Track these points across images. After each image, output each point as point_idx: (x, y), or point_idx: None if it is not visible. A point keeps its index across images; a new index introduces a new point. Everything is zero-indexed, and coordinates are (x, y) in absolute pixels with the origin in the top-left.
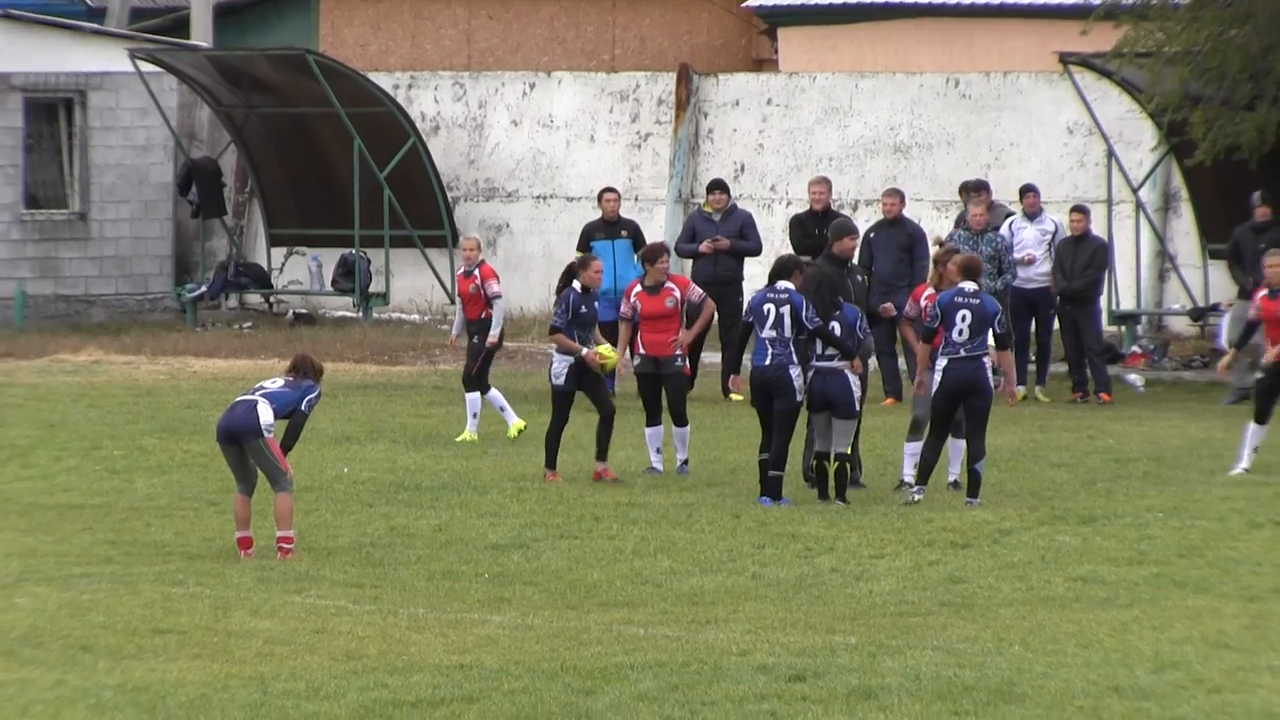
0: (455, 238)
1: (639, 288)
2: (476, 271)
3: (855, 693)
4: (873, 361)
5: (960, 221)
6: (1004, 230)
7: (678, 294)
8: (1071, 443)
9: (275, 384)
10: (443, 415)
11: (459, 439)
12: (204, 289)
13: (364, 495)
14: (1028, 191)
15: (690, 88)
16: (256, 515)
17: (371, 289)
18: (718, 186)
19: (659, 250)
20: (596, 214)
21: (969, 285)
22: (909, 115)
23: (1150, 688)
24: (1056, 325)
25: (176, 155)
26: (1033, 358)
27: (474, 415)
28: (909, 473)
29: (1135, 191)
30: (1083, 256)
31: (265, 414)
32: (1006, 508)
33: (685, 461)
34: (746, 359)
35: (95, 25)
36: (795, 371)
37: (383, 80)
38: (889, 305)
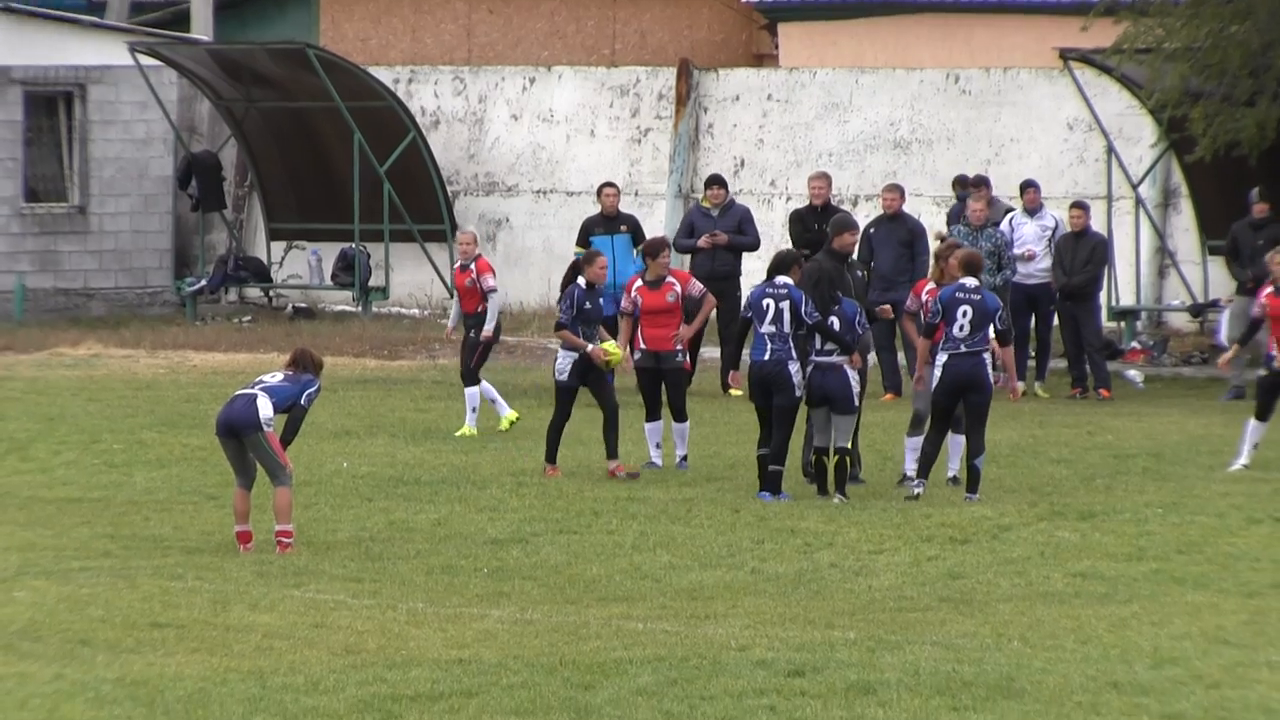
0: (455, 232)
1: (640, 282)
2: (473, 266)
3: (854, 688)
4: (872, 357)
5: (952, 216)
6: (1004, 226)
7: (679, 289)
8: (1071, 438)
9: (275, 378)
10: (442, 410)
11: (458, 434)
12: (203, 283)
13: (363, 490)
14: (1028, 187)
15: (690, 83)
16: (255, 509)
17: (371, 283)
18: (715, 182)
19: (661, 245)
20: (596, 209)
21: (970, 281)
22: (909, 111)
23: (1149, 683)
24: (1056, 321)
25: (176, 149)
26: (1032, 353)
27: (473, 410)
28: (911, 467)
29: (1135, 187)
30: (1082, 252)
31: (265, 408)
32: (1006, 503)
33: (684, 457)
34: (746, 354)
35: (95, 19)
36: (794, 367)
37: (383, 74)
38: (886, 306)
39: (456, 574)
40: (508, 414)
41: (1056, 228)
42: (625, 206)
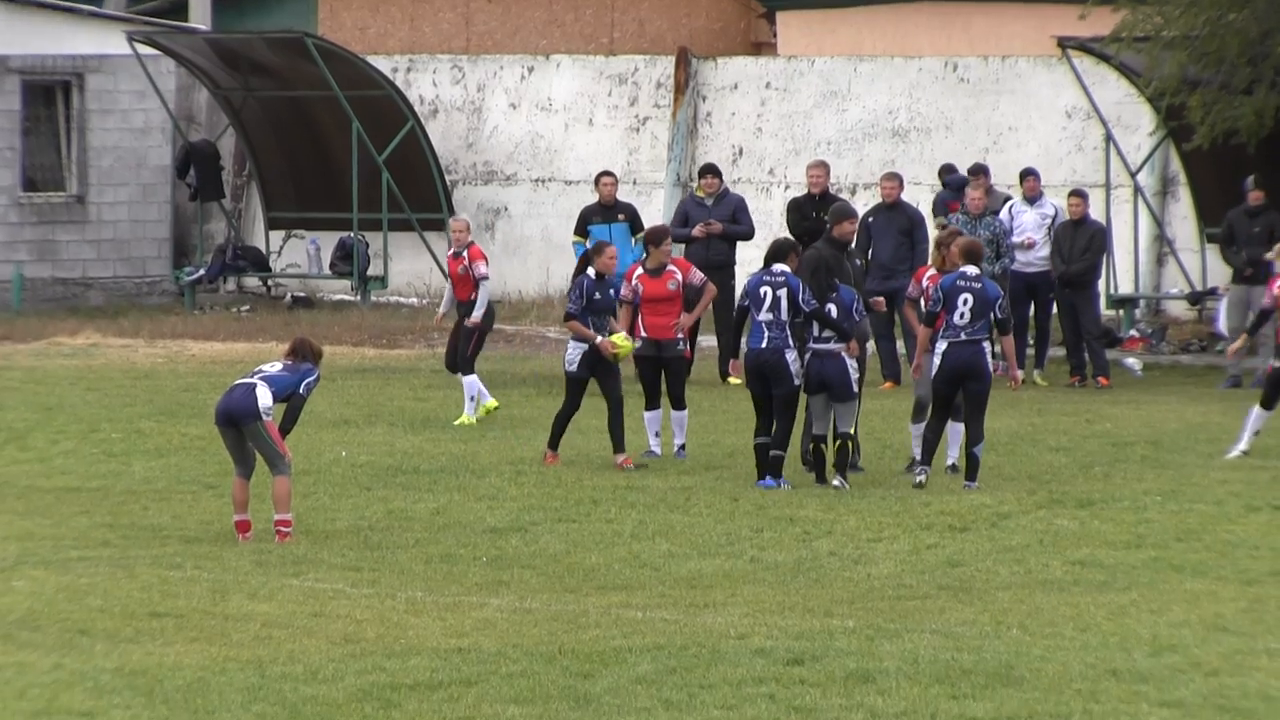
0: None
1: (640, 270)
2: (465, 253)
3: (853, 676)
4: (870, 345)
5: (937, 206)
6: (1004, 214)
7: (680, 277)
8: (1069, 426)
9: (274, 367)
10: (441, 399)
11: (457, 422)
12: (202, 272)
13: (362, 479)
14: (1028, 175)
15: (689, 71)
16: (254, 499)
17: (370, 272)
18: (709, 171)
19: (663, 233)
20: (594, 198)
21: (971, 269)
22: (907, 99)
23: (1148, 671)
24: (1055, 309)
25: (174, 138)
26: (1031, 341)
27: (471, 399)
28: (919, 452)
29: (1133, 176)
30: (1081, 241)
31: (264, 397)
32: (1004, 491)
33: (682, 446)
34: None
35: (94, 8)
36: (791, 355)
37: (381, 63)
38: (880, 299)
39: (455, 563)
40: (487, 402)
41: (1056, 216)
42: (624, 195)
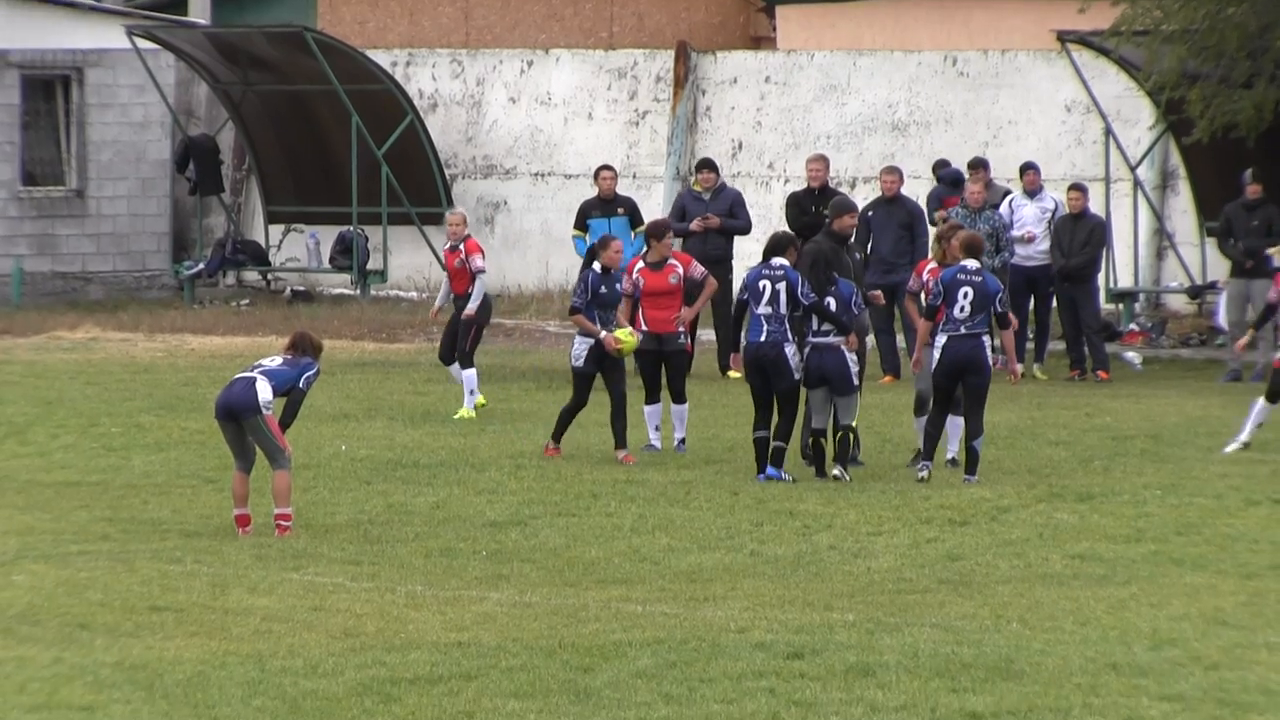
0: None
1: (641, 264)
2: (462, 246)
3: (853, 670)
4: (870, 339)
5: (931, 201)
6: (1004, 208)
7: (680, 271)
8: (1069, 420)
9: (274, 361)
10: (440, 393)
11: (456, 416)
12: (201, 266)
13: (362, 473)
14: (1028, 169)
15: (688, 65)
16: (254, 493)
17: (369, 266)
18: (706, 165)
19: (664, 226)
20: (594, 192)
21: (972, 263)
22: (907, 93)
23: (1148, 665)
24: (1055, 303)
25: (174, 132)
26: (1031, 335)
27: (471, 392)
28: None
29: (1133, 169)
30: (1081, 234)
31: (264, 391)
32: (1004, 485)
33: (682, 440)
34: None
35: (93, 2)
36: (790, 349)
37: (380, 58)
38: (878, 293)
39: (455, 557)
40: (477, 398)
41: (1056, 210)
42: (623, 189)
